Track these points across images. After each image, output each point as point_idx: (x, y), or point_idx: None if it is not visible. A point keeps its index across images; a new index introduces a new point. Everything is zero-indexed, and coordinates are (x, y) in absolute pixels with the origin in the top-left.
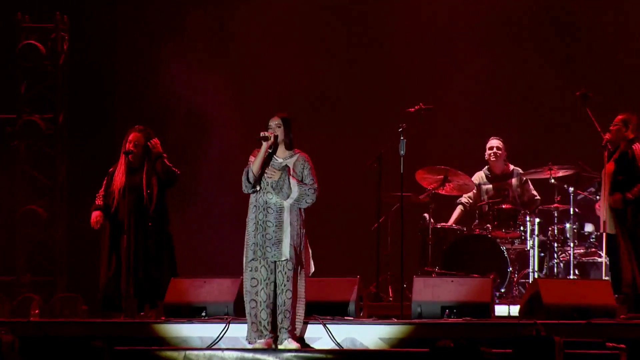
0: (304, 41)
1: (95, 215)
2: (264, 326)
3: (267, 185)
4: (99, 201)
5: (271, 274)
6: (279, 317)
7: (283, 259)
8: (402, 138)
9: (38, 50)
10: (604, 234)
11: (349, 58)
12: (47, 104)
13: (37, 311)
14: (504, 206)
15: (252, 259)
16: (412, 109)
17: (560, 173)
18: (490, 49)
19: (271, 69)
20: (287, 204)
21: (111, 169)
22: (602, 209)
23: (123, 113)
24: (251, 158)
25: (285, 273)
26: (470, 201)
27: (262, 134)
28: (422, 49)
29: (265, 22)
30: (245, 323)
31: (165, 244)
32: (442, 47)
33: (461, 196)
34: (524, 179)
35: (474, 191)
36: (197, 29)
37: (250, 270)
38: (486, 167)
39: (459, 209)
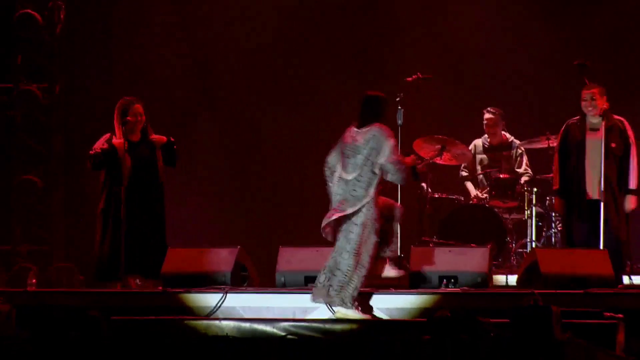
0: (299, 10)
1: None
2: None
3: None
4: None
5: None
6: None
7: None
8: (399, 108)
9: (34, 19)
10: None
11: (345, 27)
12: (43, 74)
13: (33, 281)
14: (501, 176)
15: None
16: (410, 79)
17: None
18: (487, 18)
19: (269, 38)
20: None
21: (107, 136)
22: (589, 174)
23: (120, 82)
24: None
25: (345, 237)
26: (467, 173)
27: None
28: (420, 17)
29: None
30: (242, 292)
31: (160, 217)
32: (440, 16)
33: (460, 172)
34: (520, 151)
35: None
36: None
37: None
38: (485, 136)
39: (468, 184)
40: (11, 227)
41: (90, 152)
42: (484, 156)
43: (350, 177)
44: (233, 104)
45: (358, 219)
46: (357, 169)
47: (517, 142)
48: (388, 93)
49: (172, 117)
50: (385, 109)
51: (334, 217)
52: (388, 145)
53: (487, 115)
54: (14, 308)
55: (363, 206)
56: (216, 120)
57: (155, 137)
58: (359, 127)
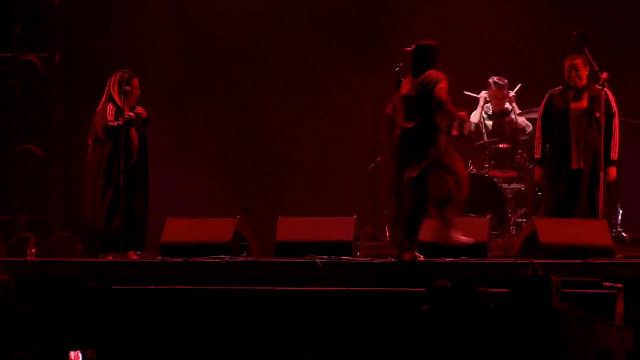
0: None
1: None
2: None
3: None
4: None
5: None
6: None
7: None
8: (399, 77)
9: None
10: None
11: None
12: (42, 44)
13: (33, 251)
14: (501, 145)
15: None
16: (409, 49)
17: None
18: None
19: (265, 11)
20: None
21: (112, 107)
22: (573, 144)
23: (119, 53)
24: None
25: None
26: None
27: None
28: None
29: None
30: (242, 262)
31: (147, 190)
32: None
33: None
34: (517, 110)
35: (473, 129)
36: None
37: None
38: (487, 104)
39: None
40: (11, 198)
41: (110, 123)
42: (490, 122)
43: (410, 125)
44: (230, 75)
45: (429, 165)
46: (417, 116)
47: (511, 106)
48: (387, 63)
49: (171, 88)
50: (436, 56)
51: (412, 174)
52: (438, 87)
53: (493, 86)
54: (14, 278)
55: (431, 153)
56: (214, 91)
57: (139, 109)
58: (413, 76)
